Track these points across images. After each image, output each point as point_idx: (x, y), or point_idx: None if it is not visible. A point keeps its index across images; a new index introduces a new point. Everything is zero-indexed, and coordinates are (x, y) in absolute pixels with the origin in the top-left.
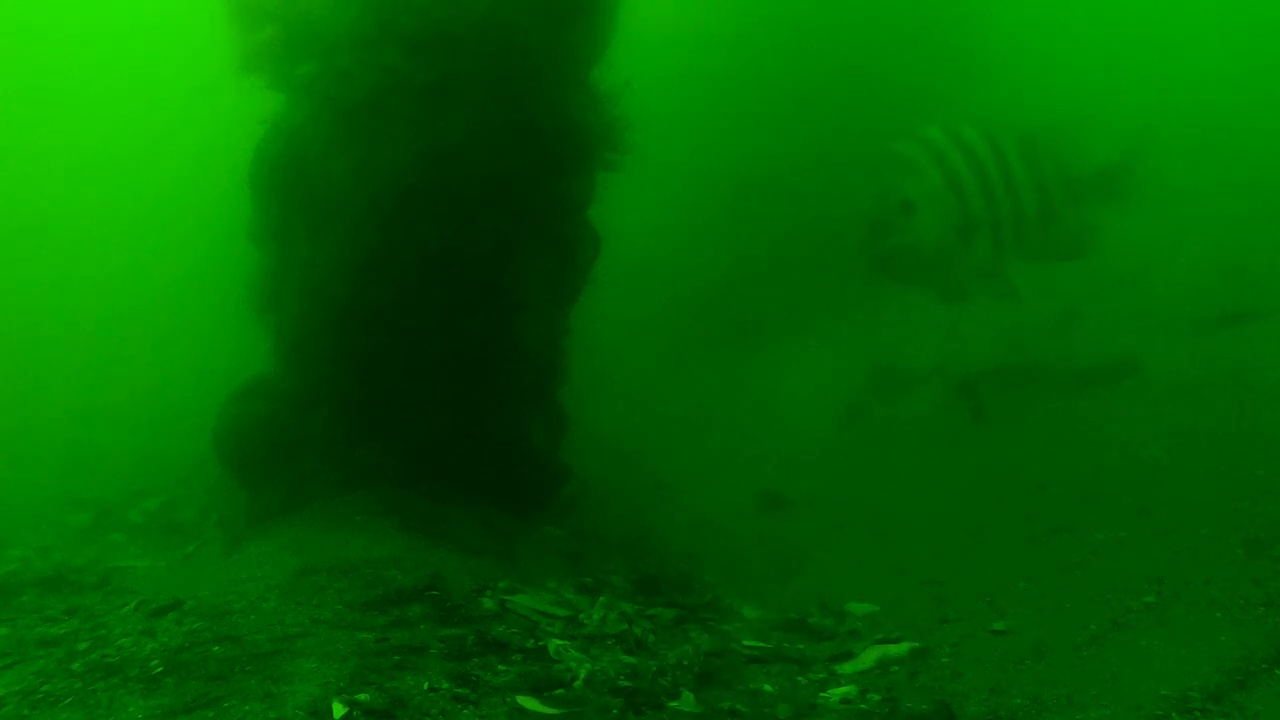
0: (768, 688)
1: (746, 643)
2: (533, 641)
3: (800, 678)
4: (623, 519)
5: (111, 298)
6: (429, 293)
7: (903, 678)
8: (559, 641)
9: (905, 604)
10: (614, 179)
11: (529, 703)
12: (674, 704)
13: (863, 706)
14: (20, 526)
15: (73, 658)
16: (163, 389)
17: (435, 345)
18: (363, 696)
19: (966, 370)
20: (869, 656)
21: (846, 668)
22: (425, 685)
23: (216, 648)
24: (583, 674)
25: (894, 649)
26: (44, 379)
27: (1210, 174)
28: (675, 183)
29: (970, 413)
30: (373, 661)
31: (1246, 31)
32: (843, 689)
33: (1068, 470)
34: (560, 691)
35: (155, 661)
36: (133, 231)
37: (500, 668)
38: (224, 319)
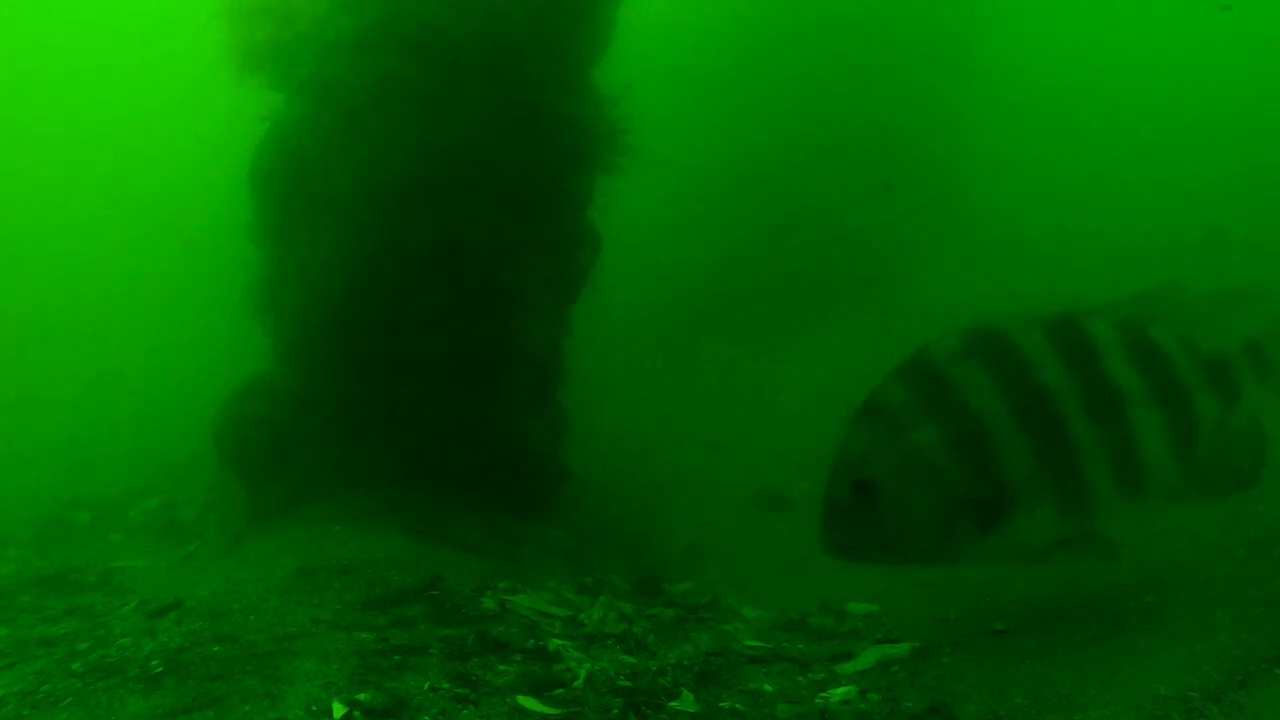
0: (768, 688)
1: (746, 643)
2: (533, 641)
3: (800, 678)
4: (623, 519)
5: (111, 297)
6: (429, 293)
7: (903, 678)
8: (559, 641)
9: (905, 604)
10: (614, 179)
11: (529, 703)
12: (674, 704)
13: (863, 706)
14: (20, 526)
15: (73, 658)
16: (162, 388)
17: (435, 345)
18: (363, 696)
19: None
20: (869, 656)
21: (846, 668)
22: (425, 685)
23: (216, 647)
24: (583, 674)
25: (894, 649)
26: (43, 379)
27: None
28: (675, 182)
29: None
30: (373, 661)
31: None
32: (843, 689)
33: None
34: (560, 691)
35: (155, 661)
36: (132, 230)
37: (500, 668)
38: (224, 319)
